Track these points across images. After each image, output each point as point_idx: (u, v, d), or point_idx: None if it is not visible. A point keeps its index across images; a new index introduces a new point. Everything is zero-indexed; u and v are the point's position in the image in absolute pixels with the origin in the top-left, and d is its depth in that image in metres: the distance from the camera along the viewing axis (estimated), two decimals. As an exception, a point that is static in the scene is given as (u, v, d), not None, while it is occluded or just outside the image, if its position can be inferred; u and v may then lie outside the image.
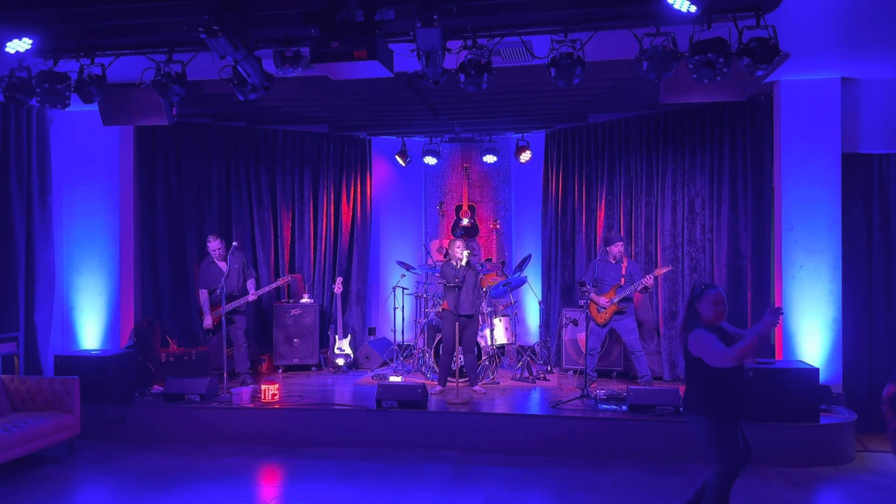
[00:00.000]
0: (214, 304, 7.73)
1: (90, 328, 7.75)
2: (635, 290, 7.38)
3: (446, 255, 7.65)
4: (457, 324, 7.21)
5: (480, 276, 7.44)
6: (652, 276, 7.35)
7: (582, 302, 7.41)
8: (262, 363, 8.72)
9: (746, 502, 5.00)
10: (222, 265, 7.80)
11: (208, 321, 7.70)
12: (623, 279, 7.42)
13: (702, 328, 4.07)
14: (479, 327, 7.80)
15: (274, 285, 8.26)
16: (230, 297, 7.67)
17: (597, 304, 7.45)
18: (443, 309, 7.55)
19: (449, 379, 7.72)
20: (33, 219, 7.36)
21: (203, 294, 7.75)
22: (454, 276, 7.29)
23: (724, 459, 4.07)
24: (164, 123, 6.64)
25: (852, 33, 5.54)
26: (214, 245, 7.80)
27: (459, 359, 7.47)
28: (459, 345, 7.30)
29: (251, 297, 7.87)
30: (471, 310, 7.29)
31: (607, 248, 7.61)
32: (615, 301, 7.37)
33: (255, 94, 5.46)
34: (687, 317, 4.17)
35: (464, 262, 7.32)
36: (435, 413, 6.57)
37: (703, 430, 4.11)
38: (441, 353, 7.51)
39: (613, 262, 7.54)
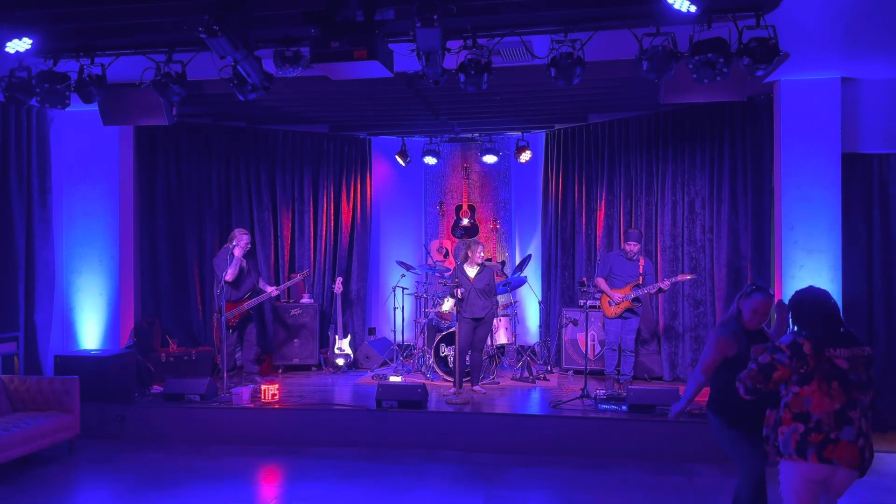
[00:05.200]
0: (233, 300, 7.65)
1: (90, 328, 7.74)
2: (650, 291, 7.28)
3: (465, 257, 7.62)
4: (465, 326, 7.21)
5: (488, 282, 7.35)
6: (669, 282, 7.22)
7: (582, 301, 7.40)
8: (262, 363, 8.72)
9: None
10: (244, 262, 7.69)
11: (253, 300, 7.75)
12: (641, 277, 7.31)
13: (728, 330, 3.90)
14: (493, 329, 7.83)
15: (292, 282, 8.27)
16: (253, 293, 7.78)
17: (610, 297, 7.30)
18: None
19: (446, 378, 7.75)
20: (33, 219, 7.35)
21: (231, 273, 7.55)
22: (453, 277, 7.30)
23: (740, 466, 3.91)
24: (164, 123, 6.64)
25: (852, 33, 5.54)
26: (248, 239, 7.72)
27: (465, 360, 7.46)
28: (470, 346, 7.32)
29: (274, 293, 7.98)
30: (479, 312, 7.26)
31: (624, 245, 7.47)
32: (629, 298, 7.30)
33: (255, 94, 5.46)
34: (729, 312, 3.97)
35: (472, 262, 7.34)
36: (435, 413, 6.57)
37: (715, 430, 3.99)
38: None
39: (629, 259, 7.39)
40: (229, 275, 7.42)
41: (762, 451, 3.80)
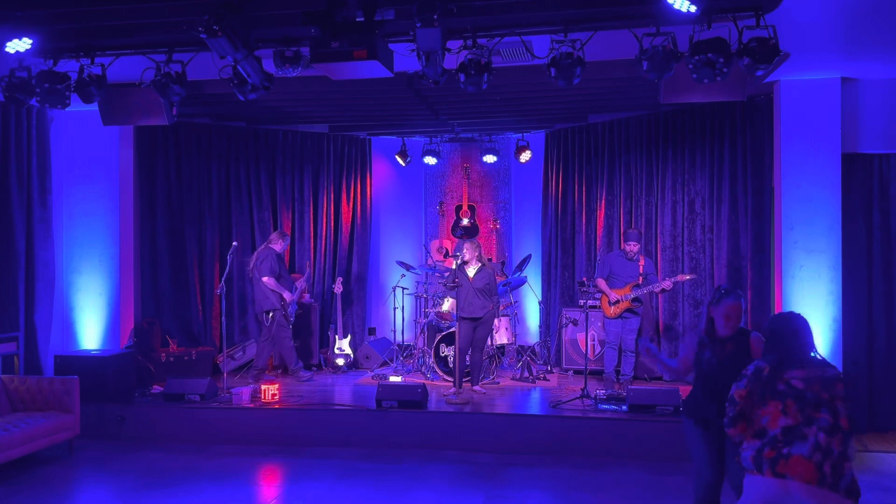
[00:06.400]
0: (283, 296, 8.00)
1: (90, 328, 7.75)
2: (652, 290, 7.26)
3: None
4: (464, 326, 7.21)
5: (487, 282, 7.32)
6: (670, 281, 7.17)
7: (582, 301, 7.39)
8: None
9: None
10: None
11: (295, 295, 8.11)
12: (641, 278, 7.30)
13: (697, 335, 3.99)
14: (494, 329, 7.82)
15: (299, 282, 8.48)
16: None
17: (608, 297, 7.29)
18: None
19: (446, 378, 7.74)
20: (33, 219, 7.36)
21: (272, 280, 7.83)
22: (452, 277, 7.30)
23: (694, 468, 3.93)
24: (164, 123, 6.64)
25: (852, 33, 5.54)
26: (287, 242, 8.25)
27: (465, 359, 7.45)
28: (469, 346, 7.31)
29: (303, 285, 8.42)
30: (478, 312, 7.25)
31: (624, 245, 7.46)
32: (629, 298, 7.29)
33: (255, 94, 5.46)
34: (706, 321, 3.97)
35: (457, 264, 7.34)
36: (435, 413, 6.57)
37: (684, 431, 4.01)
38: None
39: (629, 259, 7.37)
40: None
41: (718, 460, 3.87)
